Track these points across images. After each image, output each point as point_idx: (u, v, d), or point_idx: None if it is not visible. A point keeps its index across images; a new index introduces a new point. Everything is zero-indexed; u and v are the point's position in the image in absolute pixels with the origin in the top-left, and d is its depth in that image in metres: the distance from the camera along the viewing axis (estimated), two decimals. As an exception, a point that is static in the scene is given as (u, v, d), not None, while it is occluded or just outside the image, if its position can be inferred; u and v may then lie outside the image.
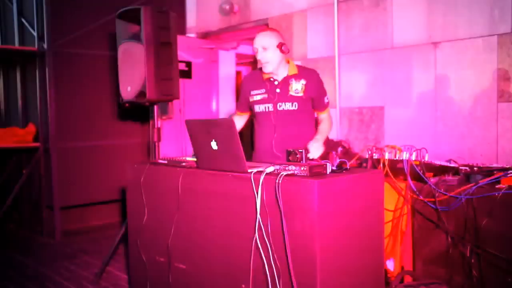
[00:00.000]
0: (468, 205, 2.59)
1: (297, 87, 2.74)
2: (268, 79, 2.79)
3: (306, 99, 2.76)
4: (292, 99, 2.74)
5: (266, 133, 2.81)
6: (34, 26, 4.82)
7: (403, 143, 3.09)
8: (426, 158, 2.94)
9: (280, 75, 2.76)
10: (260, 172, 1.94)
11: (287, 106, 2.75)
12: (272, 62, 2.68)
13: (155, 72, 3.44)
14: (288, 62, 2.80)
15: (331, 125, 2.90)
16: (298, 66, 2.84)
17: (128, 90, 3.59)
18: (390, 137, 3.88)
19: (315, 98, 2.79)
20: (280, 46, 2.67)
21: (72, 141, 4.84)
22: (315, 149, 2.49)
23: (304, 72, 2.81)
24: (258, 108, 2.83)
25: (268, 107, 2.78)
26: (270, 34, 2.72)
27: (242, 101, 2.96)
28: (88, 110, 4.94)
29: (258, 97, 2.82)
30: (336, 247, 1.87)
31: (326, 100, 2.85)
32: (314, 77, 2.79)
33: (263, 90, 2.80)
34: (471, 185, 2.60)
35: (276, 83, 2.77)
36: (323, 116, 2.86)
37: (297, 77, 2.76)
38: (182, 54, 5.07)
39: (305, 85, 2.74)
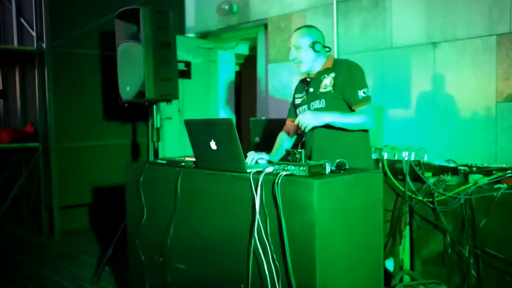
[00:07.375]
0: (466, 205, 2.59)
1: (326, 82, 2.46)
2: (306, 79, 2.61)
3: (337, 94, 2.42)
4: (320, 96, 2.47)
5: (306, 140, 2.54)
6: (33, 26, 4.82)
7: (402, 143, 3.09)
8: (425, 158, 2.95)
9: (314, 73, 2.55)
10: (259, 172, 1.94)
11: (316, 105, 2.48)
12: (306, 62, 2.50)
13: (154, 72, 3.45)
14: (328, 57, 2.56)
15: (363, 122, 2.41)
16: (335, 60, 2.56)
17: (127, 90, 3.60)
18: (389, 137, 3.88)
19: (346, 91, 2.41)
20: (313, 45, 2.47)
21: (71, 141, 4.83)
22: (303, 117, 2.31)
23: (336, 64, 2.51)
24: (299, 112, 2.58)
25: (305, 109, 2.54)
26: (304, 33, 2.51)
27: (291, 107, 2.75)
28: (87, 110, 4.93)
29: (299, 101, 2.63)
30: (335, 247, 1.87)
31: (361, 94, 2.40)
32: (344, 67, 2.46)
33: (304, 93, 2.60)
34: (470, 185, 2.60)
35: (309, 79, 2.58)
36: (358, 111, 2.43)
37: (329, 71, 2.49)
38: (181, 54, 5.08)
39: (334, 78, 2.44)
